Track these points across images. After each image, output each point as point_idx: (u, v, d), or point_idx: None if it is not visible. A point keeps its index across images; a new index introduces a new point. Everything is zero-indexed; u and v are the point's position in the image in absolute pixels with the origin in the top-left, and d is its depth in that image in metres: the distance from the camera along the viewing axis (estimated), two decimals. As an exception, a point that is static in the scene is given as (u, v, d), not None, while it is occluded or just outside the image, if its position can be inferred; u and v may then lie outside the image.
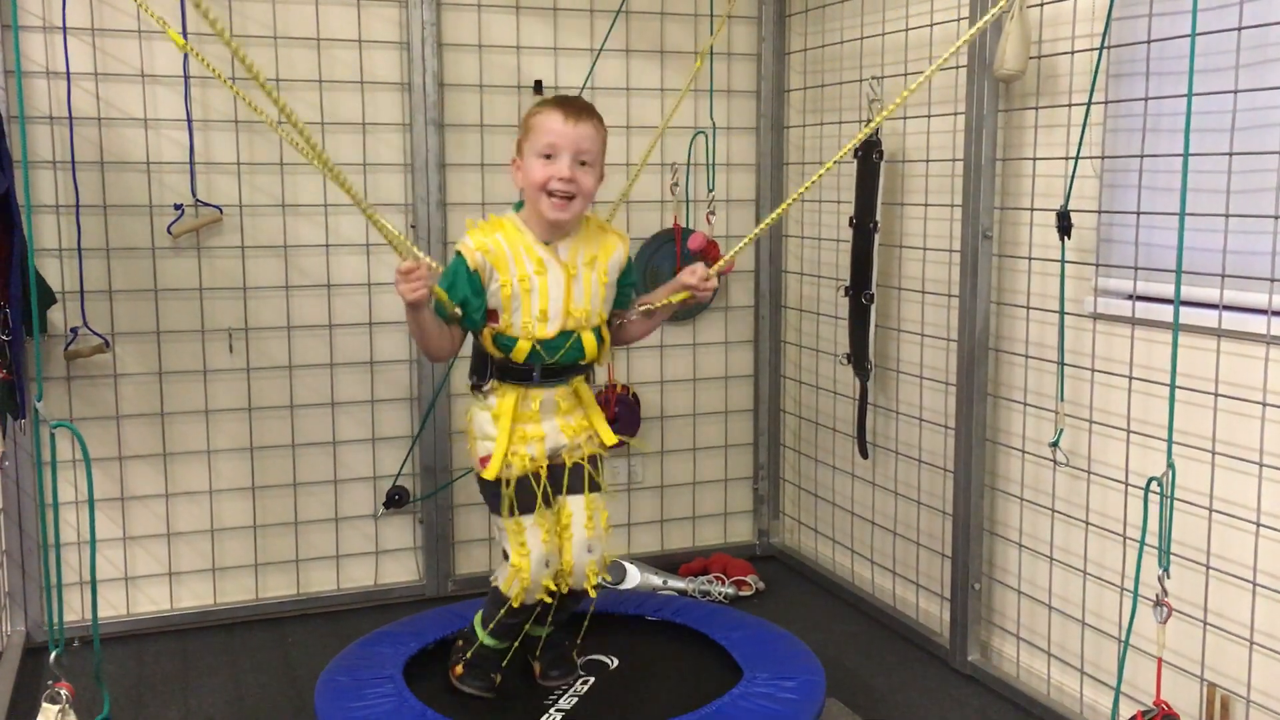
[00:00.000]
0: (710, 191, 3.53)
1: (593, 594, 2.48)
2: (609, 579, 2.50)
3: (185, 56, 3.04)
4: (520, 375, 2.35)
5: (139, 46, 3.03)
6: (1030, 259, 2.75)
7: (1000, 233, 2.82)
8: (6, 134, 2.60)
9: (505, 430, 2.34)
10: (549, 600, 2.38)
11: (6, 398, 2.57)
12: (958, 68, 2.87)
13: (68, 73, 2.97)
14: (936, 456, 3.08)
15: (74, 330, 3.02)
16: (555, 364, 2.34)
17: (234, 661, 3.01)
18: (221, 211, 3.14)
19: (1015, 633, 2.87)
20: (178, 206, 3.09)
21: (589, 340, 2.36)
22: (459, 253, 2.30)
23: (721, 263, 2.44)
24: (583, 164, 2.27)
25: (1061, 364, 2.63)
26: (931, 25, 3.01)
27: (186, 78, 3.06)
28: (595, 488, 2.44)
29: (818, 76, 3.52)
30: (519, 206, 2.37)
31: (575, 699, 2.49)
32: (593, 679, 2.56)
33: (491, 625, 2.45)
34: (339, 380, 3.32)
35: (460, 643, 2.54)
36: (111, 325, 3.08)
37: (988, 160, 2.76)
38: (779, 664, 2.54)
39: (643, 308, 2.46)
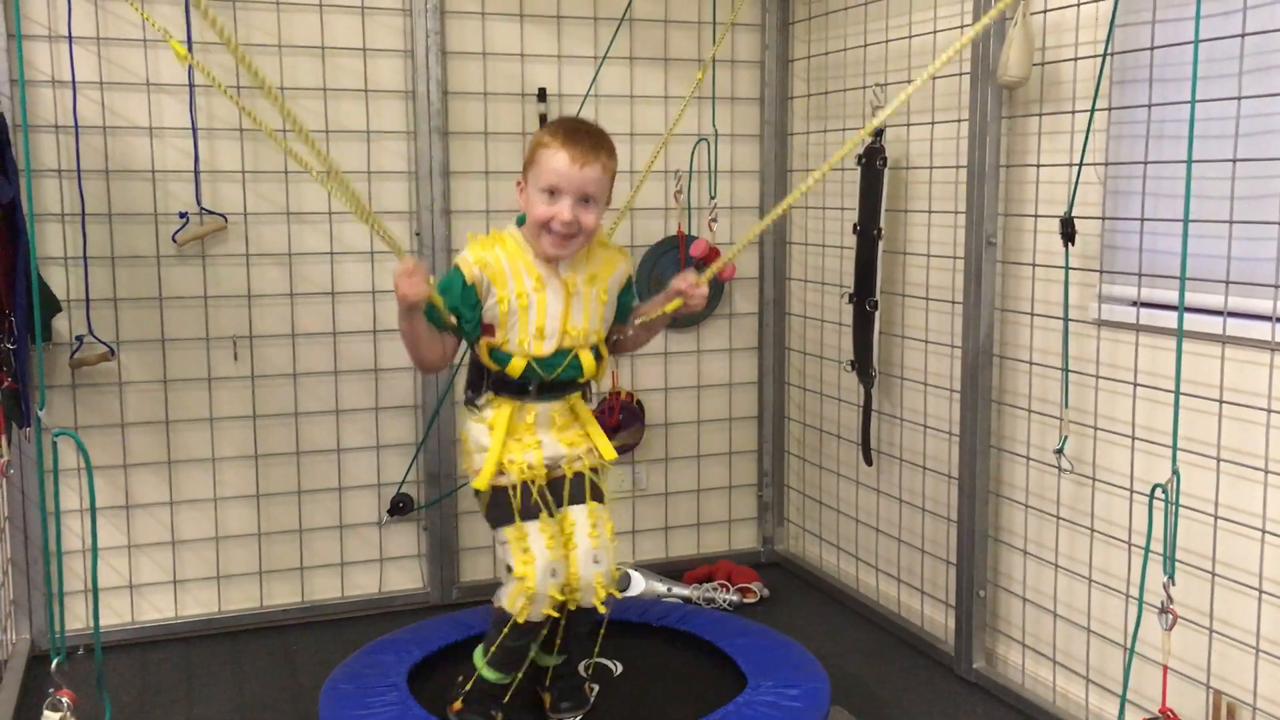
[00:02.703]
0: (713, 199, 3.53)
1: (602, 609, 2.35)
2: (618, 593, 2.41)
3: (189, 66, 3.04)
4: (516, 389, 2.31)
5: (144, 55, 3.04)
6: (1034, 265, 2.75)
7: (1004, 239, 2.82)
8: (12, 142, 2.61)
9: (499, 440, 2.29)
10: (555, 614, 2.31)
11: (12, 406, 2.58)
12: (961, 74, 2.88)
13: (73, 81, 2.97)
14: (941, 463, 3.08)
15: (79, 338, 3.02)
16: (552, 380, 2.32)
17: (238, 669, 3.01)
18: (226, 220, 3.14)
19: (1020, 640, 2.86)
20: (182, 215, 3.09)
21: (586, 358, 2.33)
22: (457, 265, 2.28)
23: (713, 268, 2.41)
24: (585, 202, 2.23)
25: (1066, 370, 2.63)
26: (935, 32, 3.01)
27: (191, 86, 3.07)
28: (598, 497, 2.39)
29: (821, 84, 3.53)
30: (521, 220, 2.34)
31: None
32: (597, 685, 2.56)
33: (493, 650, 2.34)
34: (343, 388, 3.32)
35: (460, 678, 2.44)
36: (116, 333, 3.09)
37: (991, 167, 2.76)
38: (784, 671, 2.54)
39: (639, 320, 2.43)
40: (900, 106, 1.98)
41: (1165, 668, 2.11)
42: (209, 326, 3.17)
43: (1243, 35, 2.20)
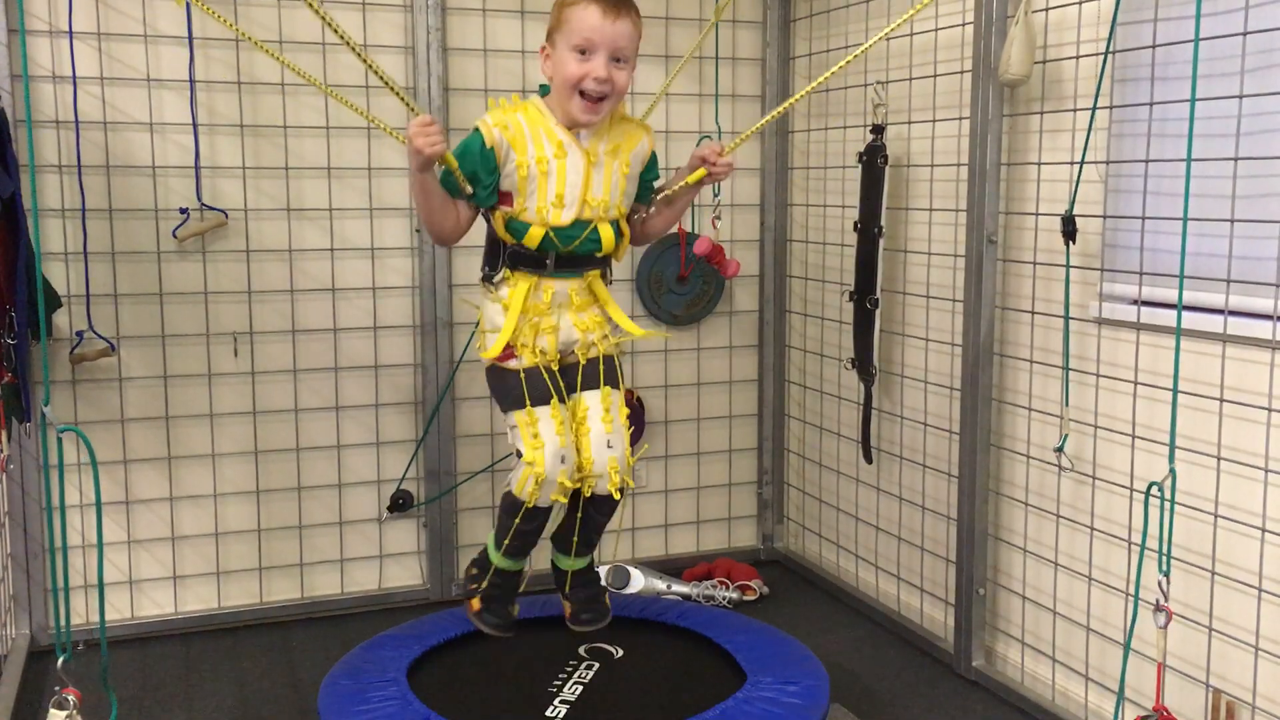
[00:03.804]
0: (715, 196, 3.53)
1: (617, 495, 2.30)
2: (632, 483, 2.35)
3: (190, 62, 3.05)
4: (533, 263, 2.25)
5: (145, 51, 3.04)
6: (1035, 264, 2.75)
7: (1005, 238, 2.82)
8: (13, 138, 2.61)
9: (513, 318, 2.24)
10: (563, 500, 2.26)
11: (12, 401, 2.58)
12: (962, 72, 2.88)
13: (74, 77, 2.97)
14: (941, 461, 3.08)
15: (79, 334, 3.02)
16: (569, 254, 2.25)
17: (238, 665, 3.01)
18: (227, 215, 3.14)
19: (1020, 638, 2.86)
20: (183, 210, 3.09)
21: (606, 232, 2.26)
22: (477, 128, 2.21)
23: (737, 141, 2.38)
24: (618, 61, 2.17)
25: (1066, 369, 2.63)
26: (936, 30, 3.01)
27: (192, 82, 3.07)
28: (612, 382, 2.33)
29: (822, 81, 3.51)
30: (544, 91, 2.28)
31: (580, 687, 2.49)
32: (597, 665, 2.55)
33: (506, 540, 2.31)
34: (343, 384, 3.32)
35: (474, 571, 2.42)
36: (117, 329, 3.09)
37: (992, 165, 2.76)
38: (783, 668, 2.54)
39: (661, 195, 2.37)
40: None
41: (1160, 665, 2.11)
42: (209, 322, 3.17)
43: (1244, 34, 2.20)
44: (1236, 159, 2.22)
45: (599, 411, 2.30)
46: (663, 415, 3.68)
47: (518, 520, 2.28)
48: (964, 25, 2.88)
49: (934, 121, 3.04)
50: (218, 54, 3.09)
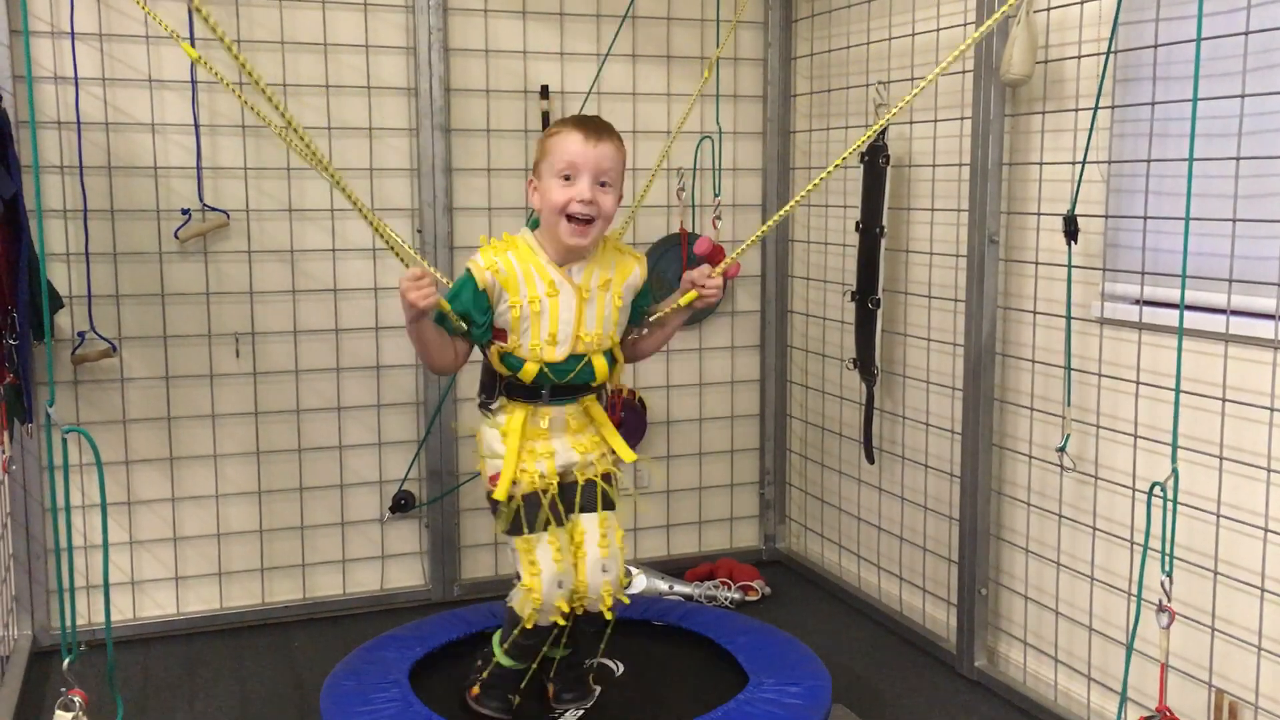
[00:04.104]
0: (716, 196, 3.53)
1: (609, 615, 2.39)
2: (625, 600, 2.42)
3: (191, 62, 3.04)
4: (529, 394, 2.30)
5: (146, 52, 3.04)
6: (1037, 264, 2.74)
7: (1007, 238, 2.82)
8: (15, 139, 2.61)
9: (514, 449, 2.28)
10: (563, 622, 2.33)
11: (14, 402, 2.58)
12: (964, 72, 2.88)
13: (75, 78, 2.98)
14: (943, 461, 3.08)
15: (81, 334, 3.02)
16: (565, 384, 2.30)
17: (240, 666, 3.01)
18: (228, 216, 3.14)
19: (1022, 638, 2.86)
20: (185, 211, 3.09)
21: (600, 363, 2.31)
22: (469, 270, 2.25)
23: (726, 261, 2.40)
24: (603, 185, 2.21)
25: (1068, 369, 2.63)
26: (938, 30, 3.01)
27: (194, 83, 3.07)
28: (609, 505, 2.37)
29: (824, 81, 3.52)
30: (534, 225, 2.32)
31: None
32: (599, 686, 2.56)
33: (507, 645, 2.40)
34: (345, 385, 3.32)
35: (479, 663, 2.49)
36: (118, 330, 3.09)
37: (994, 165, 2.76)
38: (785, 669, 2.54)
39: (653, 319, 2.41)
40: (908, 104, 1.98)
41: (1163, 666, 2.11)
42: (211, 323, 3.18)
43: (1246, 33, 2.19)
44: (1238, 158, 2.22)
45: (595, 536, 2.34)
46: (665, 415, 3.68)
47: (518, 634, 2.35)
48: (965, 25, 2.88)
49: (936, 121, 3.04)
50: (219, 55, 3.08)
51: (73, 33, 2.96)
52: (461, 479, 3.42)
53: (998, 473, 2.90)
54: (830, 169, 2.18)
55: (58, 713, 2.06)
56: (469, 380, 3.36)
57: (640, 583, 3.37)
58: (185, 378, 3.18)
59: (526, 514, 2.28)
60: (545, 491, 2.29)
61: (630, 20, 3.44)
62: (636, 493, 3.64)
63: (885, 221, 3.09)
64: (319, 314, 3.27)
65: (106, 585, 2.16)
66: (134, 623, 3.17)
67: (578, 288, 2.27)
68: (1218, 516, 2.31)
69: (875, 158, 3.10)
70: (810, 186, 2.21)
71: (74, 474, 2.95)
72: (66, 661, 2.10)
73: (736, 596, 3.40)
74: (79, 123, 2.98)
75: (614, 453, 2.39)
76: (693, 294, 2.34)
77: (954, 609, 3.00)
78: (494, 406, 2.34)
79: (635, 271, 2.36)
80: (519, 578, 2.32)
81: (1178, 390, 2.09)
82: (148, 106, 3.06)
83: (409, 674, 2.53)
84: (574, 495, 2.34)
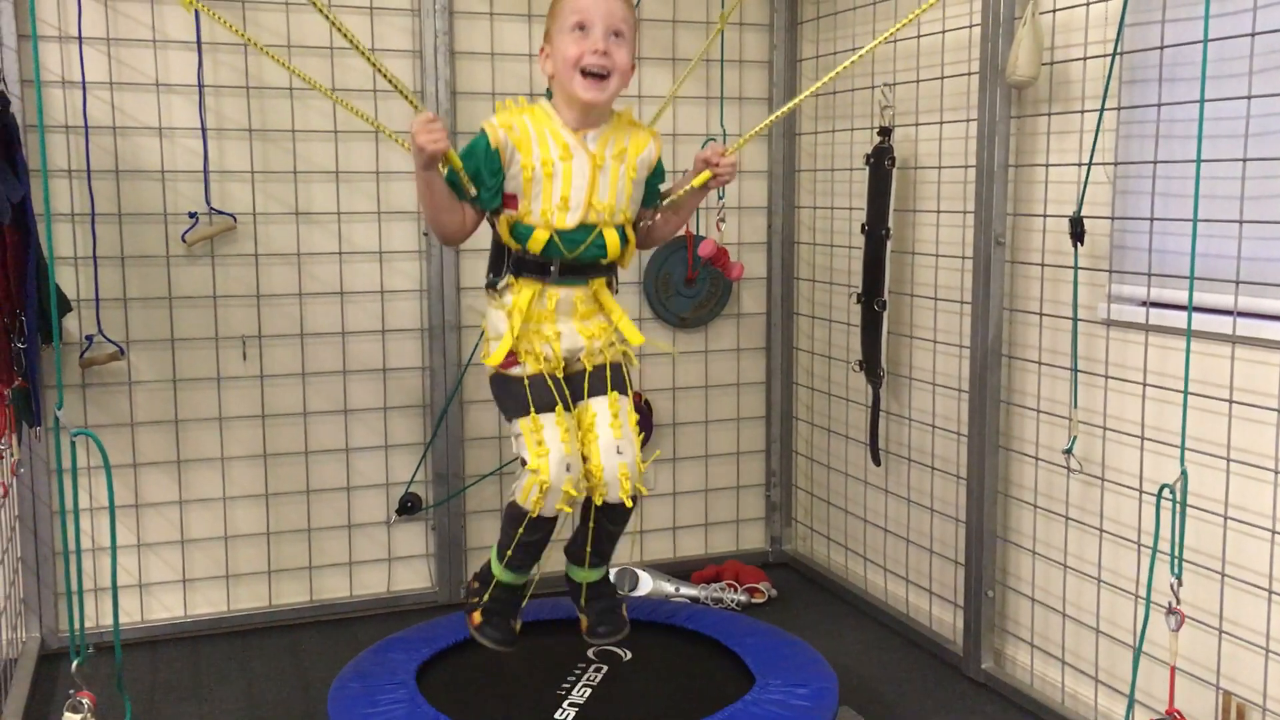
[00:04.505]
0: (721, 199, 3.53)
1: (629, 503, 2.26)
2: (644, 490, 2.30)
3: (199, 67, 3.06)
4: (537, 269, 2.23)
5: (154, 56, 3.05)
6: (1043, 265, 2.74)
7: (1013, 239, 2.82)
8: (23, 143, 2.62)
9: (516, 324, 2.21)
10: (569, 510, 2.22)
11: (23, 405, 2.59)
12: (969, 74, 2.88)
13: (83, 82, 2.98)
14: (949, 463, 3.08)
15: (89, 338, 3.03)
16: (574, 260, 2.23)
17: (247, 668, 3.02)
18: (235, 219, 3.15)
19: (1029, 640, 2.86)
20: (192, 214, 3.10)
21: (611, 237, 2.24)
22: (483, 129, 2.20)
23: (741, 141, 2.39)
24: (617, 36, 2.16)
25: (1075, 370, 2.63)
26: (943, 32, 3.01)
27: (201, 86, 3.08)
28: (619, 388, 2.28)
29: (830, 83, 3.51)
30: (549, 96, 2.27)
31: (589, 690, 2.50)
32: (606, 668, 2.55)
33: (509, 552, 2.28)
34: (352, 387, 3.33)
35: (475, 584, 2.40)
36: (126, 333, 3.10)
37: (1000, 166, 2.76)
38: (791, 671, 2.54)
39: (666, 201, 2.35)
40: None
41: (1173, 668, 2.11)
42: (218, 326, 3.18)
43: (1253, 34, 2.19)
44: (1245, 160, 2.22)
45: (607, 418, 2.25)
46: (670, 418, 3.68)
47: (521, 531, 2.25)
48: (971, 27, 2.88)
49: (941, 123, 3.04)
50: (226, 59, 3.10)
51: (80, 37, 2.97)
52: (468, 481, 3.42)
53: (1004, 475, 2.90)
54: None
55: (66, 714, 2.07)
56: (476, 383, 3.38)
57: (646, 585, 3.38)
58: (193, 381, 3.18)
59: (533, 395, 2.21)
60: (552, 377, 2.23)
61: (636, 23, 3.44)
62: (642, 493, 3.65)
63: (891, 223, 3.09)
64: (326, 317, 3.28)
65: (115, 587, 2.17)
66: (142, 625, 3.18)
67: (592, 155, 2.21)
68: (1225, 518, 2.31)
69: (881, 159, 3.10)
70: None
71: (82, 477, 2.95)
72: (75, 663, 2.10)
73: (743, 599, 3.40)
74: (86, 127, 2.99)
75: (624, 340, 2.32)
76: (706, 174, 2.29)
77: (960, 611, 3.00)
78: (501, 285, 2.27)
79: (650, 146, 2.31)
80: (523, 463, 2.21)
81: (1186, 392, 2.09)
82: (155, 111, 3.07)
83: (416, 676, 2.53)
84: (581, 382, 2.27)
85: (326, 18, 2.06)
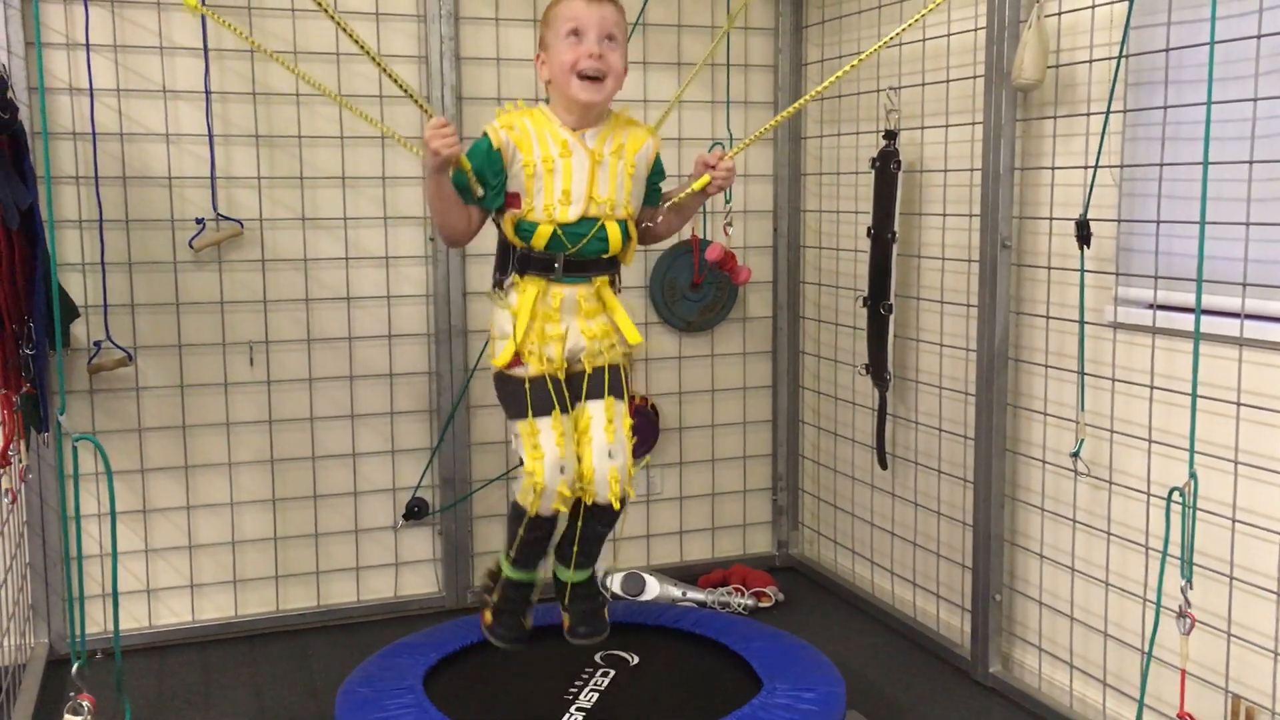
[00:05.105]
0: (727, 203, 3.53)
1: (616, 505, 2.30)
2: (633, 493, 2.35)
3: (205, 73, 3.07)
4: (542, 267, 2.27)
5: (160, 62, 3.06)
6: (1049, 268, 2.74)
7: (1019, 242, 2.81)
8: (31, 149, 2.63)
9: (523, 323, 2.26)
10: (564, 509, 2.28)
11: (30, 411, 2.60)
12: (975, 77, 2.87)
13: (90, 89, 3.00)
14: (956, 467, 3.07)
15: (97, 344, 3.04)
16: (578, 255, 2.28)
17: (255, 673, 3.02)
18: (242, 225, 3.16)
19: (1037, 644, 2.85)
20: (199, 220, 3.11)
21: (613, 230, 2.28)
22: (485, 132, 2.26)
23: (740, 146, 2.41)
24: (610, 39, 2.22)
25: (1082, 373, 2.62)
26: (949, 35, 3.01)
27: (208, 93, 3.09)
28: (617, 392, 2.33)
29: (835, 87, 3.52)
30: (548, 102, 2.33)
31: (596, 694, 2.50)
32: (613, 672, 2.55)
33: (513, 549, 2.36)
34: (358, 392, 3.34)
35: (488, 583, 2.46)
36: (134, 339, 3.11)
37: (1006, 169, 2.76)
38: (799, 675, 2.54)
39: (667, 205, 2.40)
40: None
41: (1183, 672, 2.10)
42: (225, 331, 3.19)
43: (1259, 36, 2.19)
44: (1251, 162, 2.22)
45: (602, 421, 2.30)
46: (677, 422, 3.68)
47: (522, 529, 2.32)
48: (976, 30, 2.88)
49: (947, 126, 3.04)
50: (233, 65, 3.11)
51: (88, 44, 2.98)
52: (475, 486, 3.43)
53: (1011, 478, 2.89)
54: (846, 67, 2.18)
55: (67, 716, 2.08)
56: (482, 388, 3.38)
57: (653, 589, 3.37)
58: (200, 386, 3.19)
59: (532, 397, 2.26)
60: (553, 379, 2.27)
61: (641, 28, 3.45)
62: (649, 498, 3.66)
63: (897, 227, 3.09)
64: (332, 322, 3.29)
65: (115, 591, 2.17)
66: (149, 630, 3.19)
67: (591, 151, 2.27)
68: (1233, 521, 2.30)
69: (887, 163, 3.10)
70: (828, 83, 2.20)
71: (89, 482, 2.96)
72: (75, 667, 2.11)
73: (750, 603, 3.39)
74: (94, 133, 3.00)
75: (623, 340, 2.36)
76: (705, 178, 2.33)
77: (968, 615, 2.99)
78: (506, 283, 2.31)
79: (648, 143, 2.36)
80: (522, 464, 2.27)
81: (1194, 395, 2.09)
82: (162, 117, 3.08)
83: (423, 680, 2.53)
84: (581, 383, 2.31)
85: (336, 22, 2.08)
